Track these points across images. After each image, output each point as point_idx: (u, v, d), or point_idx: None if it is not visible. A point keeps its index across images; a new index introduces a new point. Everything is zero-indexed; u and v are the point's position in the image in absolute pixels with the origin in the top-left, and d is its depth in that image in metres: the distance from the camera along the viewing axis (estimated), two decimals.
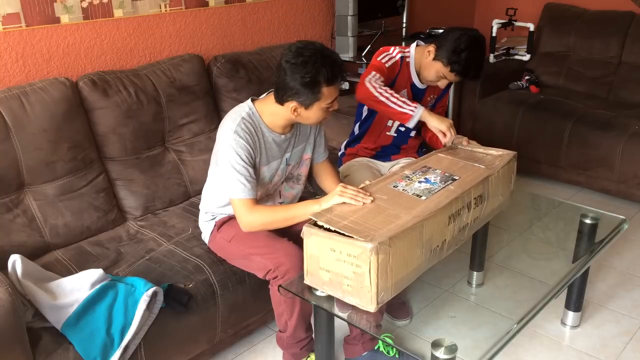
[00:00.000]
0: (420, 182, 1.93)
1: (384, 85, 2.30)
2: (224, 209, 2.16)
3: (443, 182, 1.91)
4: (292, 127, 2.10)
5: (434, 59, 2.33)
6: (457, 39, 2.25)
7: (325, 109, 1.95)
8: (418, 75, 2.45)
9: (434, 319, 2.38)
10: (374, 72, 2.34)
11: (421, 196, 1.82)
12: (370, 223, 1.66)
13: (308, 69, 1.83)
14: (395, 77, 2.46)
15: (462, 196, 1.84)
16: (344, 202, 1.79)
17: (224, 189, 1.99)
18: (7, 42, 2.37)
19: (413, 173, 2.00)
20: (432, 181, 1.93)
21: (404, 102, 2.27)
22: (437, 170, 2.01)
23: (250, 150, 1.96)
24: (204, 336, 2.10)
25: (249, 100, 2.05)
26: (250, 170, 1.96)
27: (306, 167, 2.22)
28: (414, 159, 2.44)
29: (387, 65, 2.42)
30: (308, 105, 1.91)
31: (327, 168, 2.27)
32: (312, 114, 1.95)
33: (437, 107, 2.58)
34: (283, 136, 2.07)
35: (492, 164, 2.07)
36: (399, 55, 2.43)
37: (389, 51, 2.46)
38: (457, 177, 1.95)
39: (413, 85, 2.48)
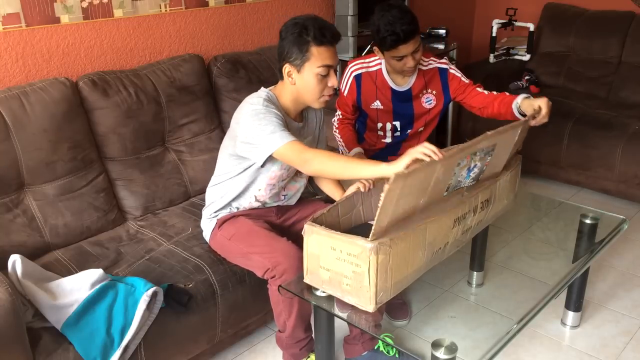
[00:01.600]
0: (469, 169, 1.81)
1: (351, 114, 2.57)
2: (228, 205, 2.16)
3: (472, 180, 1.86)
4: (302, 117, 2.12)
5: (381, 53, 2.34)
6: (372, 22, 2.29)
7: (319, 77, 1.93)
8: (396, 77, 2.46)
9: (433, 319, 2.38)
10: (337, 114, 2.61)
11: (447, 191, 1.77)
12: (399, 210, 1.60)
13: (297, 26, 1.90)
14: (375, 91, 2.46)
15: (470, 200, 1.83)
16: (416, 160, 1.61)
17: (260, 152, 1.90)
18: (7, 42, 2.37)
19: (481, 151, 1.82)
20: (470, 175, 1.83)
21: (346, 145, 2.54)
22: (488, 159, 1.87)
23: (282, 118, 1.94)
24: (204, 336, 2.10)
25: (262, 87, 2.07)
26: (286, 127, 1.91)
27: None
28: None
29: (345, 93, 2.53)
30: (299, 66, 1.93)
31: None
32: (306, 81, 1.94)
33: (460, 95, 2.49)
34: (296, 124, 2.08)
35: (508, 166, 2.06)
36: (353, 75, 2.48)
37: (344, 75, 2.53)
38: (480, 177, 1.91)
39: (394, 92, 2.47)
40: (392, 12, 2.22)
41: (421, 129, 2.56)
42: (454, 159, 1.69)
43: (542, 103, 2.11)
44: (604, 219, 2.29)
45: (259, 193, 2.13)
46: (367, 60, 2.49)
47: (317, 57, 1.91)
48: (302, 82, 1.96)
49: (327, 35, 1.91)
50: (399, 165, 1.61)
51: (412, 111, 2.51)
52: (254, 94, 2.03)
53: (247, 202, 2.15)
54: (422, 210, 1.71)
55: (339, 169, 1.82)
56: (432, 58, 2.49)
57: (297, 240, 2.01)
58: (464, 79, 2.49)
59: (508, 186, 2.06)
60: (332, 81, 1.96)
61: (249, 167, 2.05)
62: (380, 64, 2.46)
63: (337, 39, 1.96)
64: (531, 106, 2.16)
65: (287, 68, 1.96)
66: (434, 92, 2.49)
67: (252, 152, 1.95)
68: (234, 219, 2.15)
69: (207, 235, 2.22)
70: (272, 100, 2.00)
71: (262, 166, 1.96)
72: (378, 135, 2.58)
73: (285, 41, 1.93)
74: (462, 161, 1.76)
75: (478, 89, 2.45)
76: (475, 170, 1.85)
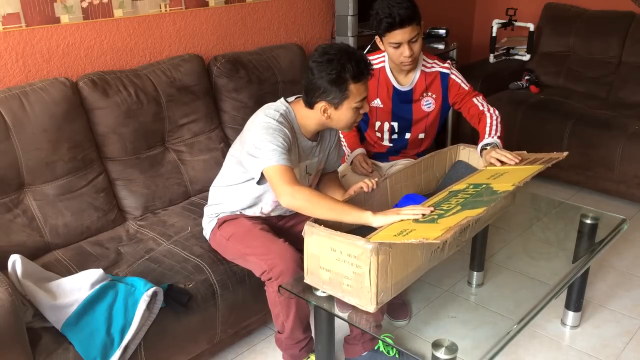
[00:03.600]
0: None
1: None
2: (230, 206, 2.16)
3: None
4: (318, 136, 2.09)
5: (382, 43, 2.34)
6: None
7: (355, 109, 1.92)
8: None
9: (434, 319, 2.38)
10: None
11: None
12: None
13: (333, 66, 1.84)
14: (376, 88, 2.46)
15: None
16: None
17: (256, 165, 1.88)
18: (7, 42, 2.37)
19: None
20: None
21: (348, 145, 2.54)
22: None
23: (290, 141, 1.92)
24: (204, 336, 2.10)
25: (282, 99, 2.03)
26: (288, 152, 1.88)
27: (317, 178, 2.21)
28: (412, 160, 2.44)
29: None
30: (337, 104, 1.90)
31: (337, 180, 2.26)
32: (342, 115, 1.93)
33: (458, 104, 2.49)
34: (310, 142, 2.05)
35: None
36: None
37: None
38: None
39: (396, 91, 2.46)
40: None
41: (421, 135, 2.55)
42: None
43: (493, 159, 2.14)
44: (604, 219, 2.29)
45: (265, 207, 2.13)
46: (370, 57, 2.48)
47: (356, 94, 1.89)
48: (339, 116, 1.93)
49: (365, 71, 1.88)
50: (385, 219, 1.67)
51: (410, 114, 2.50)
52: (272, 106, 2.00)
53: (252, 212, 2.16)
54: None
55: (322, 210, 1.75)
56: (435, 60, 2.48)
57: (297, 241, 2.01)
58: (463, 85, 2.47)
59: None
60: (365, 108, 1.96)
61: (252, 179, 2.01)
62: (383, 61, 2.46)
63: (371, 70, 1.92)
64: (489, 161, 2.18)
65: (323, 106, 1.91)
66: (434, 95, 2.49)
67: (251, 165, 1.93)
68: (233, 220, 2.15)
69: (207, 234, 2.22)
70: (288, 117, 1.97)
71: (258, 182, 1.94)
72: (377, 136, 2.58)
73: (320, 80, 1.86)
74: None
75: (474, 99, 2.45)
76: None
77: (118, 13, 2.67)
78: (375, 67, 2.45)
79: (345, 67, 1.84)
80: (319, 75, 1.86)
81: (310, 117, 1.98)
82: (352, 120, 1.96)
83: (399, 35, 2.25)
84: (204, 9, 2.99)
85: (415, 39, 2.28)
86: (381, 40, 2.34)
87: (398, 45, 2.28)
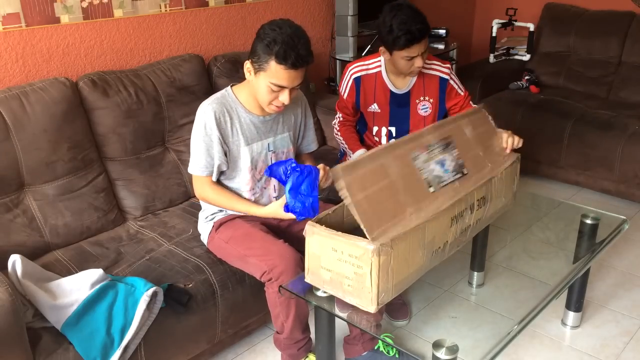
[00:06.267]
0: (436, 162, 1.84)
1: (352, 116, 2.58)
2: (223, 209, 2.16)
3: (453, 174, 1.86)
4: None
5: (389, 52, 2.33)
6: (383, 22, 2.27)
7: (270, 89, 1.94)
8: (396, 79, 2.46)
9: (434, 319, 2.38)
10: (337, 117, 2.61)
11: (431, 186, 1.77)
12: (380, 207, 1.62)
13: (270, 35, 1.88)
14: (373, 93, 2.46)
15: (465, 198, 1.83)
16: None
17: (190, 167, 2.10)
18: (7, 42, 2.36)
19: (436, 144, 1.89)
20: (446, 168, 1.86)
21: (349, 147, 2.54)
22: (454, 152, 1.91)
23: (216, 129, 2.00)
24: (204, 336, 2.10)
25: (229, 86, 2.12)
26: (215, 147, 2.02)
27: (290, 155, 2.22)
28: None
29: (345, 96, 2.53)
30: (256, 70, 1.95)
31: (309, 161, 2.28)
32: (258, 85, 1.97)
33: (452, 109, 2.52)
34: (262, 117, 2.09)
35: (497, 163, 2.06)
36: (353, 78, 2.48)
37: (344, 77, 2.53)
38: (466, 172, 1.91)
39: (392, 94, 2.47)
40: (405, 11, 2.23)
41: None
42: (406, 147, 1.76)
43: (504, 135, 2.23)
44: (604, 219, 2.29)
45: (247, 197, 2.14)
46: (366, 62, 2.47)
47: (272, 74, 1.91)
48: (256, 84, 1.98)
49: (288, 59, 1.87)
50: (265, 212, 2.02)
51: (407, 117, 2.50)
52: (212, 96, 2.09)
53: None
54: (417, 210, 1.70)
55: (225, 206, 2.13)
56: (434, 61, 2.48)
57: (296, 241, 2.01)
58: (460, 90, 2.50)
59: (505, 184, 2.05)
60: (284, 98, 1.97)
61: (220, 174, 2.12)
62: (379, 65, 2.45)
63: (300, 65, 1.90)
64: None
65: (247, 64, 1.98)
66: (431, 100, 2.49)
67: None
68: (230, 221, 2.15)
69: (204, 238, 2.22)
70: (227, 98, 2.06)
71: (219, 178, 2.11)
72: (375, 140, 2.58)
73: (257, 40, 1.93)
74: (418, 154, 1.80)
75: (470, 103, 2.51)
76: (449, 163, 1.87)
77: (118, 13, 2.67)
78: (371, 72, 2.46)
79: (276, 42, 1.87)
80: (259, 35, 1.93)
81: (248, 88, 2.06)
82: (267, 99, 1.98)
83: (416, 49, 2.26)
84: (204, 9, 2.99)
85: (426, 49, 2.31)
86: (390, 53, 2.32)
87: (411, 58, 2.29)
